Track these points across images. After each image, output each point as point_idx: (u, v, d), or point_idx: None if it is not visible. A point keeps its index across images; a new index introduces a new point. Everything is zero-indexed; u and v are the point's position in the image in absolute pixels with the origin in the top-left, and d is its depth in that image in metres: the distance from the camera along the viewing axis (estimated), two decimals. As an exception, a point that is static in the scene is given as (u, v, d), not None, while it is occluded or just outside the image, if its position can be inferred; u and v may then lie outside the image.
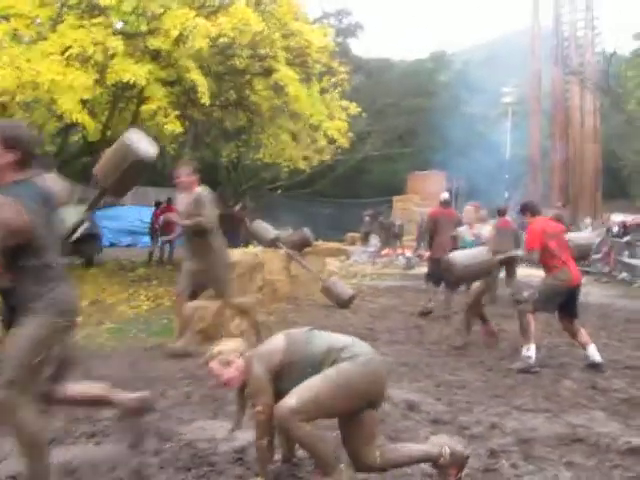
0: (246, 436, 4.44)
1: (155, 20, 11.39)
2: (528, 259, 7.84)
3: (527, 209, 7.74)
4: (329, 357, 3.61)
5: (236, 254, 10.03)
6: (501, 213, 12.84)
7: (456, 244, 9.13)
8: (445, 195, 11.78)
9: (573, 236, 9.04)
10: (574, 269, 7.34)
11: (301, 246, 12.59)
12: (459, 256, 7.84)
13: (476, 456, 4.27)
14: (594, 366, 7.04)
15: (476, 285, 8.26)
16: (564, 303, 7.24)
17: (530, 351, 7.02)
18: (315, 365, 3.59)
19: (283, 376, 3.62)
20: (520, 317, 7.30)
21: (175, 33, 10.90)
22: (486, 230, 9.10)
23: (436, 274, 10.31)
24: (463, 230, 9.15)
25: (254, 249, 12.36)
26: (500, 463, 4.19)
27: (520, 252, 9.28)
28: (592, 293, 14.78)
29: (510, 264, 12.33)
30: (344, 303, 11.14)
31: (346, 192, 34.43)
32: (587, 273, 18.92)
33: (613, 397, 5.91)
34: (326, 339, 3.76)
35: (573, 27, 35.14)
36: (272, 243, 11.92)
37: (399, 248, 22.48)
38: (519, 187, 39.20)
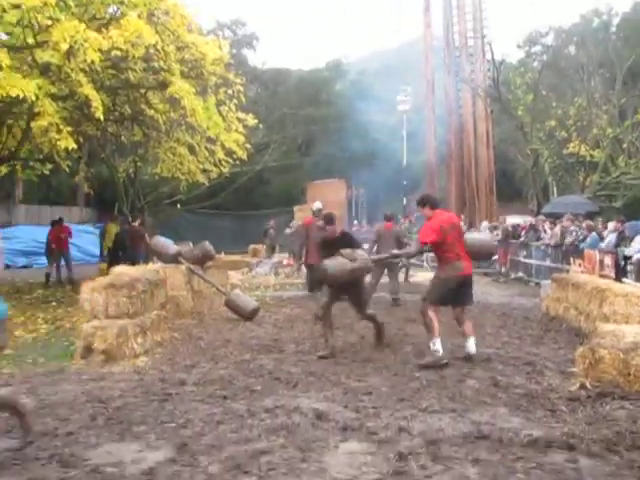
0: (154, 456, 4.36)
1: (43, 32, 11.05)
2: (415, 254, 7.96)
3: (427, 202, 7.86)
4: None
5: (138, 271, 9.84)
6: (387, 218, 13.65)
7: None
8: (317, 205, 12.37)
9: (478, 236, 9.33)
10: (466, 261, 7.65)
11: (203, 260, 12.44)
12: (330, 264, 7.86)
13: (385, 460, 4.32)
14: (468, 358, 7.53)
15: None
16: (457, 292, 7.56)
17: (437, 345, 7.25)
18: None
19: None
20: (422, 315, 7.50)
21: (65, 46, 10.59)
22: None
23: (313, 280, 10.61)
24: None
25: (155, 265, 12.14)
26: (409, 465, 4.26)
27: (396, 251, 9.52)
28: (491, 293, 15.28)
29: (390, 266, 12.74)
30: (248, 315, 11.08)
31: (247, 204, 34.35)
32: (486, 274, 19.57)
33: (514, 393, 6.11)
34: None
35: (463, 37, 36.24)
36: (173, 259, 11.73)
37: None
38: (417, 193, 40.11)
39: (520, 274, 19.41)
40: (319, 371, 7.03)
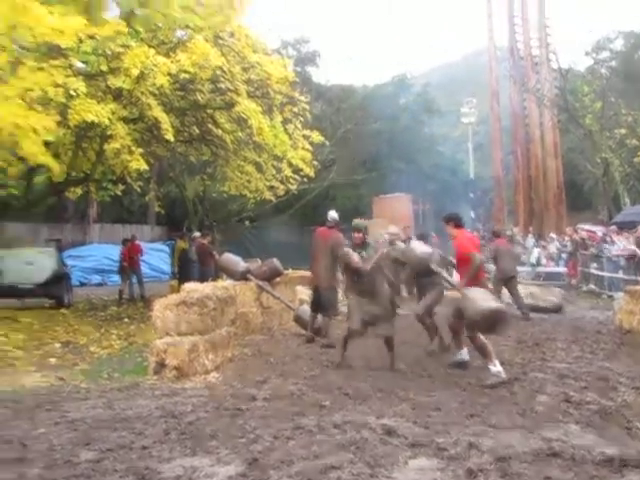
0: (225, 471, 4.45)
1: (115, 59, 11.46)
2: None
3: (451, 220, 7.94)
4: None
5: (208, 288, 10.02)
6: (497, 234, 14.35)
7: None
8: (332, 214, 10.83)
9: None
10: None
11: (271, 277, 12.55)
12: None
13: (455, 477, 4.32)
14: (461, 365, 7.94)
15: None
16: None
17: (497, 366, 7.15)
18: None
19: None
20: (472, 341, 7.40)
21: (136, 72, 10.99)
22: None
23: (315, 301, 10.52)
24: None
25: (225, 282, 12.35)
26: (479, 482, 4.23)
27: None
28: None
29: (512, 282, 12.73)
30: (317, 331, 11.15)
31: (313, 220, 34.50)
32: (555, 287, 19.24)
33: (587, 409, 5.99)
34: None
35: (528, 46, 35.80)
36: (242, 275, 11.90)
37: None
38: (484, 205, 39.72)
39: (591, 286, 19.00)
40: (388, 387, 7.03)
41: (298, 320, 11.44)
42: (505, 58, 36.90)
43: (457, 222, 7.90)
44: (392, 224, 12.58)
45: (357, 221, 8.51)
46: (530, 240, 25.97)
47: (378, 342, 9.67)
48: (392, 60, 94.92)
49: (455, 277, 8.78)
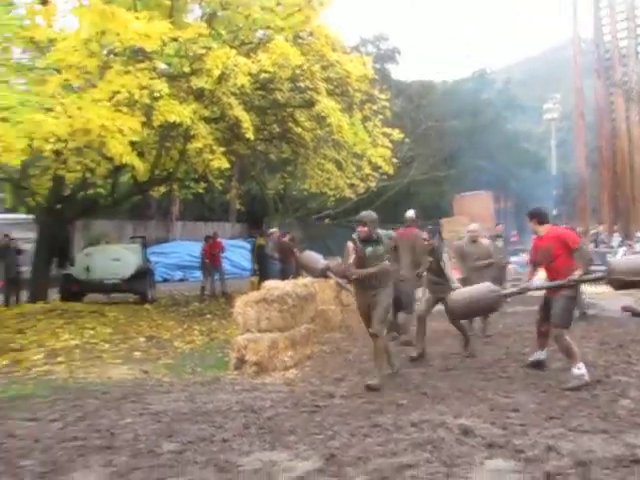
0: (303, 466, 4.51)
1: (197, 61, 11.70)
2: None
3: (535, 216, 7.61)
4: None
5: (288, 285, 10.11)
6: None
7: None
8: (409, 213, 10.79)
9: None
10: None
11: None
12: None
13: None
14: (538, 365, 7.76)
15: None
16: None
17: (582, 369, 6.94)
18: None
19: None
20: (557, 342, 7.21)
21: (217, 72, 11.21)
22: None
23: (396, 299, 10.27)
24: None
25: (305, 280, 12.45)
26: (557, 486, 4.15)
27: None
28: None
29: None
30: (397, 328, 11.12)
31: (394, 217, 34.27)
32: None
33: (673, 414, 5.80)
34: None
35: (615, 37, 34.69)
36: (322, 273, 11.95)
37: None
38: (567, 203, 38.79)
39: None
40: (466, 386, 6.97)
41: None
42: (589, 51, 35.84)
43: (541, 218, 7.58)
44: (473, 222, 12.39)
45: (364, 213, 7.50)
46: (616, 239, 25.24)
47: (457, 342, 9.63)
48: (471, 55, 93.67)
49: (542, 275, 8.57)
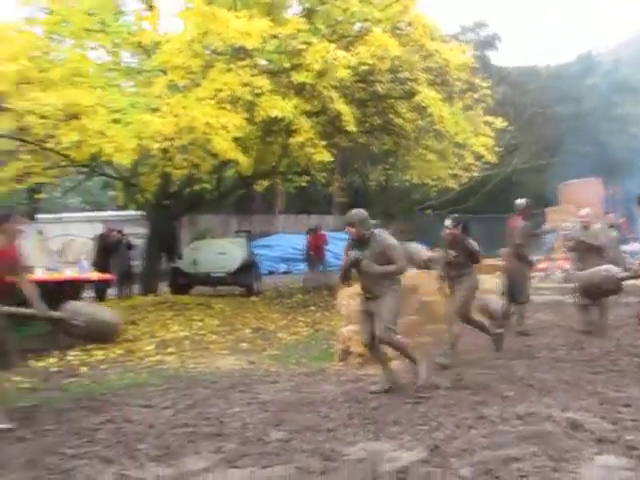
0: (407, 456, 4.53)
1: (297, 56, 11.84)
2: None
3: None
4: None
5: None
6: None
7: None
8: (518, 201, 10.90)
9: None
10: None
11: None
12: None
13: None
14: None
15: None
16: None
17: None
18: None
19: None
20: None
21: (317, 67, 11.31)
22: None
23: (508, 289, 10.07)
24: None
25: (409, 271, 12.41)
26: (671, 485, 3.99)
27: None
28: None
29: None
30: (507, 317, 10.91)
31: (497, 207, 33.65)
32: None
33: None
34: None
35: None
36: (426, 264, 11.91)
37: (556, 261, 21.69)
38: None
39: None
40: (573, 379, 6.77)
41: (483, 310, 11.26)
42: None
43: None
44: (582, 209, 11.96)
45: (352, 212, 6.64)
46: None
47: (564, 334, 9.40)
48: (575, 38, 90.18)
49: None
